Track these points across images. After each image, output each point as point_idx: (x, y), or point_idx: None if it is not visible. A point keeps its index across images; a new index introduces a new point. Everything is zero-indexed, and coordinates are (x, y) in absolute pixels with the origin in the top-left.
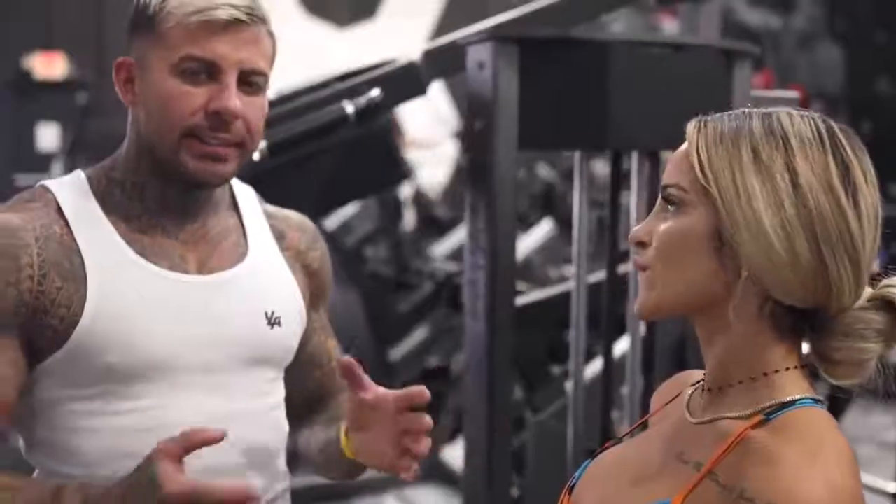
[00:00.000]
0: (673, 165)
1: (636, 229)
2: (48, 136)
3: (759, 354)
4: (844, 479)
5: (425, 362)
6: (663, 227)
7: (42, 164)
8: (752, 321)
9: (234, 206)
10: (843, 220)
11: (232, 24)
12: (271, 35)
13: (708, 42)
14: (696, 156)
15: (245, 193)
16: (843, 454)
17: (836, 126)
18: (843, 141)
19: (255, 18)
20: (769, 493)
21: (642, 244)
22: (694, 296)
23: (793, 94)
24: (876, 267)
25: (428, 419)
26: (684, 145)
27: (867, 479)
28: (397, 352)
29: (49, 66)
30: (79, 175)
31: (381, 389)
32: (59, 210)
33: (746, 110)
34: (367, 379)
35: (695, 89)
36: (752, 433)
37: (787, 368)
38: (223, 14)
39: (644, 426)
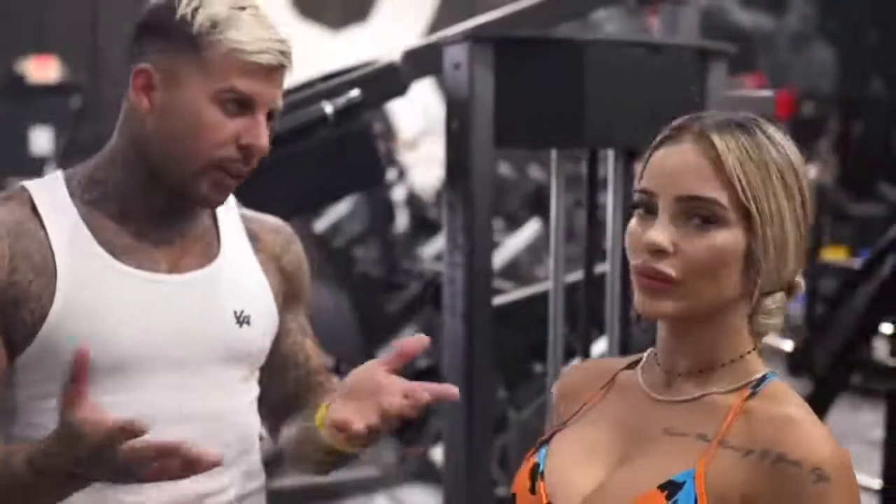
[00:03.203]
0: (696, 178)
1: (657, 237)
2: (41, 139)
3: (739, 342)
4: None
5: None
6: (696, 241)
7: (35, 167)
8: (742, 317)
9: None
10: (810, 227)
11: (274, 68)
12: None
13: (683, 42)
14: (736, 176)
15: None
16: None
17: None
18: None
19: (290, 64)
20: (808, 455)
21: (663, 252)
22: (717, 305)
23: (768, 93)
24: (857, 264)
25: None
26: (694, 154)
27: None
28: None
29: (42, 69)
30: (56, 175)
31: (396, 377)
32: (34, 208)
33: (745, 120)
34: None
35: (670, 88)
36: (749, 403)
37: (752, 350)
38: (273, 60)
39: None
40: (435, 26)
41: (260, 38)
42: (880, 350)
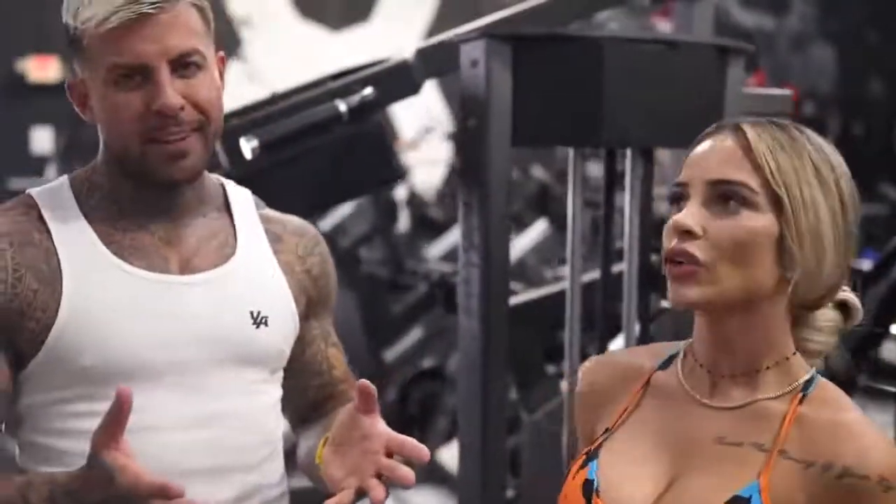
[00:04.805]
0: (726, 163)
1: (685, 217)
2: (42, 139)
3: (783, 343)
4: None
5: (420, 363)
6: (725, 223)
7: (36, 167)
8: (782, 315)
9: (227, 207)
10: (855, 240)
11: (141, 19)
12: (196, 6)
13: (701, 40)
14: (765, 160)
15: (240, 196)
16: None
17: None
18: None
19: (163, 2)
20: (875, 465)
21: (691, 234)
22: (746, 292)
23: (786, 92)
24: (867, 266)
25: (409, 474)
26: (726, 142)
27: None
28: (392, 352)
29: (43, 69)
30: (63, 180)
31: (382, 423)
32: (40, 216)
33: (779, 121)
34: (376, 407)
35: (688, 87)
36: (802, 409)
37: (795, 352)
38: (129, 14)
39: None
40: (436, 26)
41: (109, 2)
42: (890, 351)
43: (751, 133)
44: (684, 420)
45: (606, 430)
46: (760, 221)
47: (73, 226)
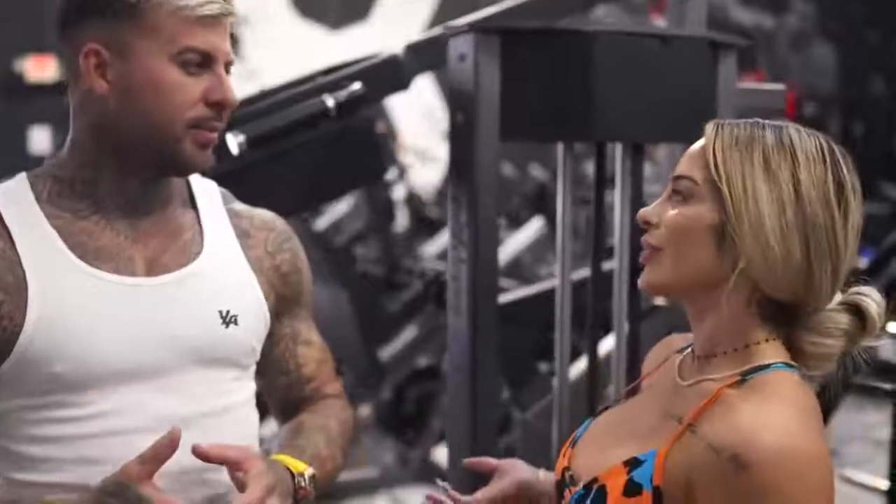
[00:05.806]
0: (688, 159)
1: (645, 210)
2: (40, 138)
3: (743, 333)
4: (800, 429)
5: (415, 362)
6: (672, 213)
7: (34, 167)
8: (741, 307)
9: (192, 202)
10: (833, 231)
11: (220, 17)
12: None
13: (693, 34)
14: (712, 155)
15: (205, 189)
16: (805, 409)
17: (835, 146)
18: (841, 160)
19: (234, 10)
20: (729, 442)
21: (650, 224)
22: (694, 277)
23: (779, 86)
24: (863, 264)
25: None
26: (700, 142)
27: (860, 476)
28: (387, 351)
29: (41, 68)
30: (22, 179)
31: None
32: (1, 219)
33: (760, 121)
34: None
35: (680, 81)
36: (727, 391)
37: (767, 340)
38: (219, 9)
39: (636, 389)
40: (434, 25)
41: None
42: (887, 349)
43: (709, 131)
44: (661, 394)
45: (619, 397)
46: (699, 211)
47: (35, 230)
